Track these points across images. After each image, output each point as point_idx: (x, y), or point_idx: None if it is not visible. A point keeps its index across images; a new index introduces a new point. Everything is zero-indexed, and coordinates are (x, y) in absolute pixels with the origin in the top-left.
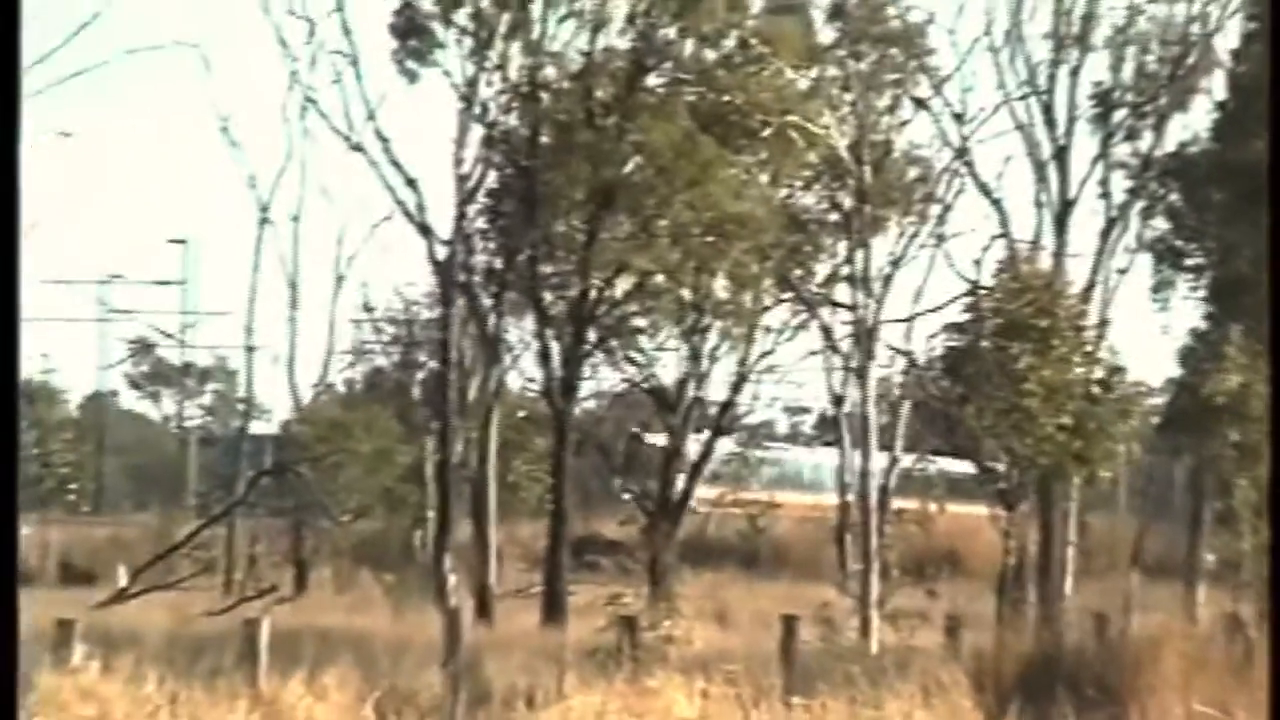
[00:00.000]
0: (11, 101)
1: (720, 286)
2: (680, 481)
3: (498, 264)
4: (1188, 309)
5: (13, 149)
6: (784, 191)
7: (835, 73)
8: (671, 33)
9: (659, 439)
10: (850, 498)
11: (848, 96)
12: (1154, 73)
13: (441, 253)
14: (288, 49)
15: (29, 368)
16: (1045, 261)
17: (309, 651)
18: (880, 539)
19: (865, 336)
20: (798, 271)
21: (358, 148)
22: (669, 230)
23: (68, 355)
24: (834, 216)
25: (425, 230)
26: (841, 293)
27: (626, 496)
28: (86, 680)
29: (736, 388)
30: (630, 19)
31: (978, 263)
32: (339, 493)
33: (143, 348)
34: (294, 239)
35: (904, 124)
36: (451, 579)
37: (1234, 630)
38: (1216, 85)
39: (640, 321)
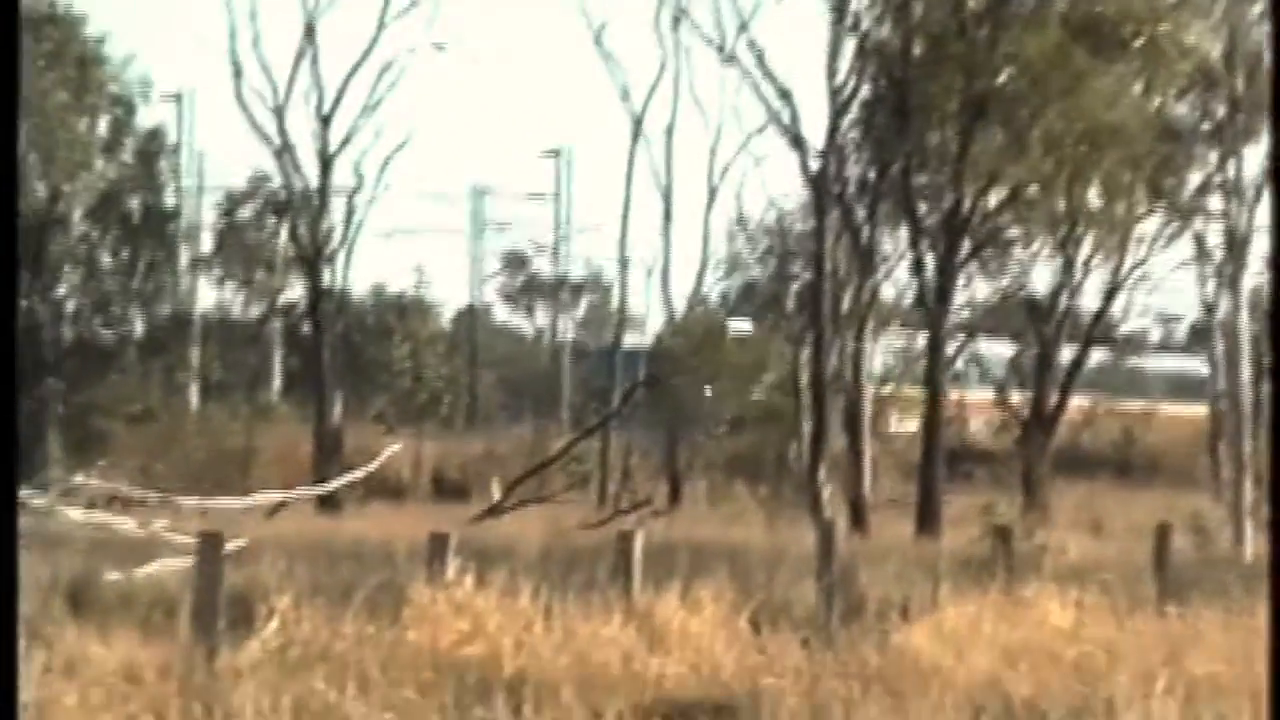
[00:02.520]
0: (11, 101)
1: (1093, 196)
2: (1054, 392)
3: (871, 175)
4: None
5: (12, 149)
6: (1156, 101)
7: None
8: None
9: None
10: (1223, 406)
11: (1219, 5)
12: None
13: (815, 165)
14: None
15: (402, 281)
16: None
17: (683, 564)
18: (1253, 446)
19: (1238, 245)
20: (1170, 181)
21: (731, 59)
22: (1042, 141)
23: (441, 269)
24: (1206, 125)
25: (799, 142)
26: (1214, 202)
27: None
28: (461, 594)
29: (1109, 297)
30: None
31: None
32: (713, 405)
33: (516, 261)
34: (667, 151)
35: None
36: (826, 490)
37: None
38: None
39: (1013, 232)
